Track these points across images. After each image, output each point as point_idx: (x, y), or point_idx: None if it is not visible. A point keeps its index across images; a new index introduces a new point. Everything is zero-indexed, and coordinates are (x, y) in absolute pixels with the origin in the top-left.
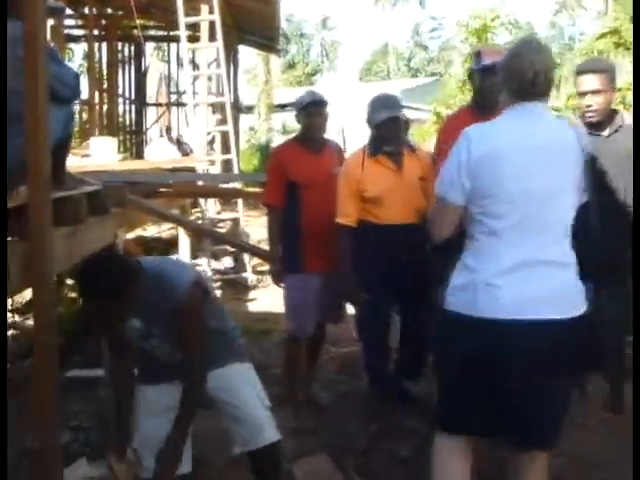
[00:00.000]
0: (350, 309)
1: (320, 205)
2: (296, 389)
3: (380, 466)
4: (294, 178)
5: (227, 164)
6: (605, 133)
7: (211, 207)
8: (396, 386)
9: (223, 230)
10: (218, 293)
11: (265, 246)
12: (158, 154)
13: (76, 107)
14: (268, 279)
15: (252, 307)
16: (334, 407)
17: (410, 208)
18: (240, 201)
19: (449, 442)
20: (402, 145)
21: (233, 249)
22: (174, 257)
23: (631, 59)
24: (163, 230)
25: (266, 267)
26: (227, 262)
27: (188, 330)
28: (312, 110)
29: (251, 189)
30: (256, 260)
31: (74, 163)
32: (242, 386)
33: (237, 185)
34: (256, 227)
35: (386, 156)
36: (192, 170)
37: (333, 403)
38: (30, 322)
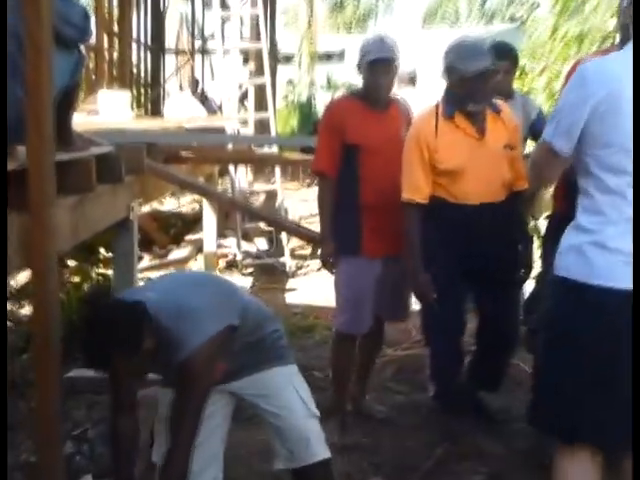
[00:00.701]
0: (414, 303)
1: (383, 174)
2: (345, 398)
3: None
4: (353, 140)
5: (262, 124)
6: None
7: (242, 176)
8: (469, 398)
9: (256, 205)
10: (248, 282)
11: (307, 224)
12: (179, 111)
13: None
14: (310, 265)
15: (290, 298)
16: (391, 422)
17: (494, 184)
18: (277, 170)
19: (579, 459)
20: (486, 105)
21: (269, 228)
22: (193, 272)
23: None
24: (184, 204)
25: (307, 250)
26: (261, 244)
27: (184, 407)
28: (379, 68)
29: (291, 155)
30: (296, 242)
31: (78, 121)
32: (284, 392)
33: (274, 150)
34: (296, 201)
35: (466, 118)
36: (220, 131)
37: (390, 417)
38: (26, 311)
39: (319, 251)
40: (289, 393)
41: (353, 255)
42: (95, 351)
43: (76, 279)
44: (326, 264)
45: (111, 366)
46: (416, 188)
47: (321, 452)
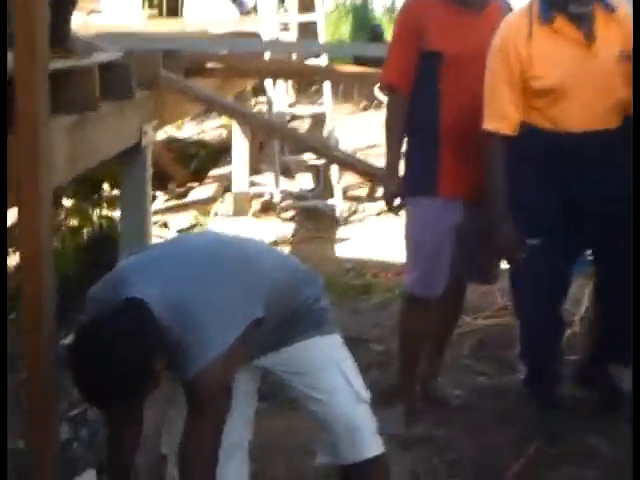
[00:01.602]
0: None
1: (470, 93)
2: (414, 379)
3: None
4: (432, 46)
5: (307, 29)
6: None
7: (281, 95)
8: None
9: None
10: (288, 230)
11: (366, 157)
12: (203, 12)
13: None
14: (367, 209)
15: (341, 251)
16: (470, 410)
17: (604, 106)
18: (327, 87)
19: None
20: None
21: (315, 161)
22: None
23: None
24: (208, 129)
25: (363, 190)
26: (305, 182)
27: (195, 441)
28: None
29: (343, 68)
30: (349, 180)
31: (77, 21)
32: (324, 370)
33: (321, 61)
34: (349, 129)
35: (569, 21)
36: (254, 37)
37: (469, 403)
38: (12, 261)
39: (381, 190)
40: (331, 372)
41: (427, 195)
42: (97, 394)
43: (74, 222)
44: (391, 206)
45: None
46: (501, 115)
47: (372, 447)
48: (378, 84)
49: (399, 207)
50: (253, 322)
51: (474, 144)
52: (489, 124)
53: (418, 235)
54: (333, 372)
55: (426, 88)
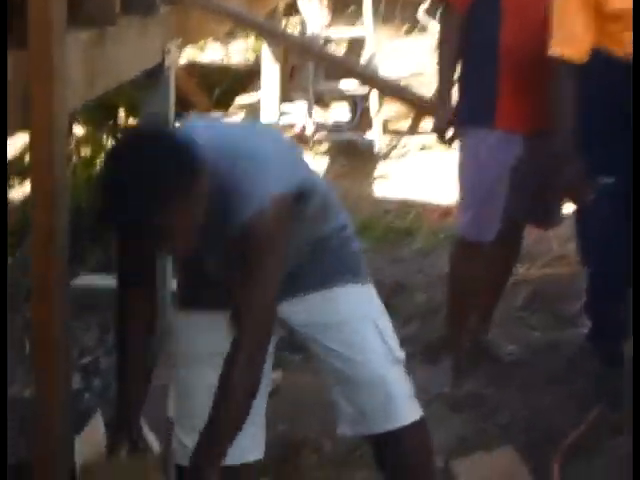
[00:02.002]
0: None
1: (537, 10)
2: (464, 332)
3: (601, 473)
4: None
5: None
6: None
7: (315, 15)
8: None
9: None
10: (322, 165)
11: (409, 87)
12: None
13: None
14: (409, 144)
15: (381, 190)
16: (524, 368)
17: None
18: (368, 6)
19: None
20: None
21: (354, 90)
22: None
23: None
24: (234, 52)
25: (405, 123)
26: (341, 113)
27: (252, 269)
28: None
29: None
30: (389, 111)
31: None
32: (359, 323)
33: None
34: (390, 55)
35: None
36: None
37: (523, 360)
38: (19, 193)
39: (433, 119)
40: (366, 327)
41: (484, 126)
42: (128, 197)
43: (86, 152)
44: (443, 137)
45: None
46: (571, 39)
47: (410, 413)
48: (425, 4)
49: (452, 139)
50: (297, 195)
51: (538, 69)
52: (557, 49)
53: (473, 172)
54: (368, 327)
55: (486, 3)
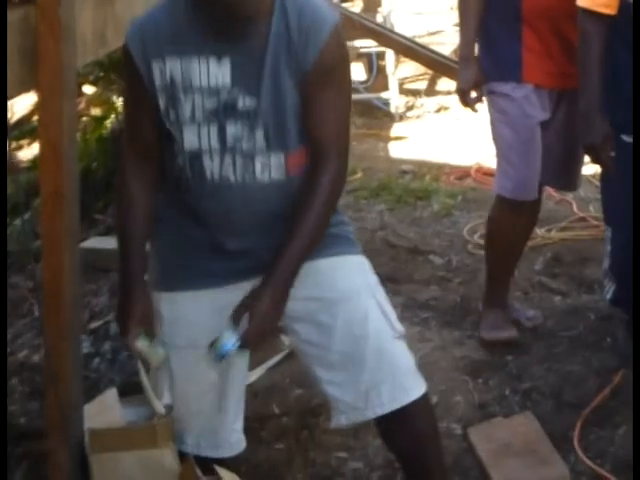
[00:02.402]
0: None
1: None
2: (507, 290)
3: (625, 438)
4: None
5: None
6: None
7: None
8: None
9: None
10: None
11: (431, 43)
12: None
13: None
14: (426, 104)
15: (397, 151)
16: (545, 333)
17: None
18: None
19: None
20: None
21: (368, 48)
22: None
23: None
24: None
25: (422, 84)
26: (356, 72)
27: (340, 89)
28: None
29: None
30: (406, 71)
31: None
32: (358, 296)
33: None
34: (405, 14)
35: None
36: None
37: (544, 326)
38: (26, 154)
39: (456, 80)
40: (366, 299)
41: (511, 80)
42: None
43: (96, 112)
44: (466, 99)
45: None
46: None
47: (417, 387)
48: None
49: (476, 100)
50: None
51: (566, 20)
52: (585, 1)
53: (506, 130)
54: (368, 300)
55: None
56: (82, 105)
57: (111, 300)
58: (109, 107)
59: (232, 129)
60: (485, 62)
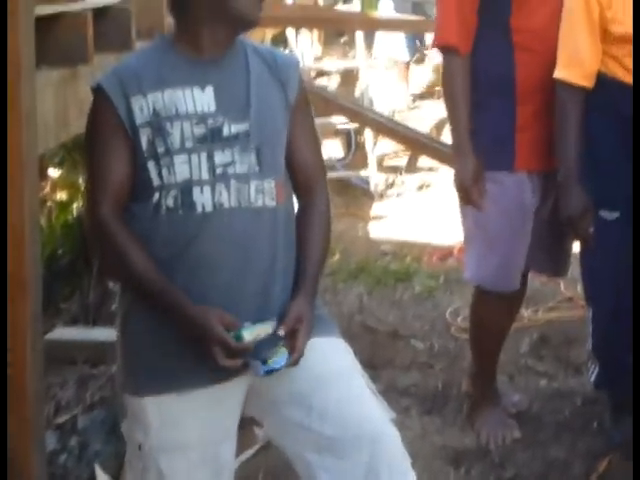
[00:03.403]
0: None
1: (550, 41)
2: (495, 384)
3: None
4: None
5: None
6: None
7: (306, 47)
8: None
9: (327, 89)
10: None
11: (405, 120)
12: None
13: None
14: (406, 182)
15: (376, 231)
16: (531, 417)
17: None
18: (360, 38)
19: None
20: None
21: (346, 125)
22: None
23: None
24: None
25: (401, 160)
26: (334, 149)
27: (312, 123)
28: None
29: (380, 15)
30: (385, 146)
31: None
32: (354, 378)
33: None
34: (385, 87)
35: None
36: None
37: (530, 410)
38: None
39: (453, 173)
40: (357, 380)
41: (502, 169)
42: None
43: (61, 196)
44: (469, 195)
45: None
46: (577, 61)
47: (409, 473)
48: (433, 43)
49: (480, 195)
50: None
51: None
52: (562, 71)
53: (495, 219)
54: (359, 381)
55: (494, 42)
56: (47, 189)
57: (78, 392)
58: (74, 191)
59: (220, 156)
60: (475, 146)
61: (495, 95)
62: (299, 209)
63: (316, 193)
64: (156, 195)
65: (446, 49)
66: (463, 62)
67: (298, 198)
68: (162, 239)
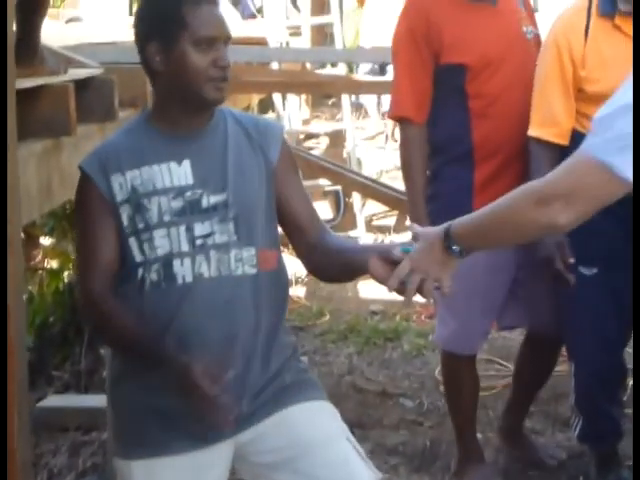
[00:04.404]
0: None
1: (507, 105)
2: (476, 441)
3: None
4: (456, 58)
5: (321, 34)
6: None
7: (293, 111)
8: None
9: (316, 152)
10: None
11: (390, 181)
12: None
13: None
14: (395, 241)
15: (365, 291)
16: (516, 473)
17: None
18: (346, 100)
19: None
20: None
21: (334, 187)
22: None
23: None
24: None
25: (390, 220)
26: (323, 210)
27: (299, 178)
28: None
29: (364, 78)
30: (373, 206)
31: (51, 31)
32: (341, 441)
33: (340, 70)
34: (373, 149)
35: (628, 17)
36: (261, 44)
37: (515, 466)
38: None
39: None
40: (343, 444)
41: None
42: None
43: (52, 264)
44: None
45: None
46: (551, 120)
47: None
48: (389, 114)
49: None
50: None
51: (517, 163)
52: (537, 130)
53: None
54: (345, 444)
55: (451, 108)
56: (38, 258)
57: (70, 459)
58: (65, 259)
59: (200, 228)
60: (433, 212)
61: (453, 161)
62: (312, 248)
63: (323, 230)
64: (140, 271)
65: (401, 119)
66: (420, 131)
67: (306, 247)
68: (149, 314)
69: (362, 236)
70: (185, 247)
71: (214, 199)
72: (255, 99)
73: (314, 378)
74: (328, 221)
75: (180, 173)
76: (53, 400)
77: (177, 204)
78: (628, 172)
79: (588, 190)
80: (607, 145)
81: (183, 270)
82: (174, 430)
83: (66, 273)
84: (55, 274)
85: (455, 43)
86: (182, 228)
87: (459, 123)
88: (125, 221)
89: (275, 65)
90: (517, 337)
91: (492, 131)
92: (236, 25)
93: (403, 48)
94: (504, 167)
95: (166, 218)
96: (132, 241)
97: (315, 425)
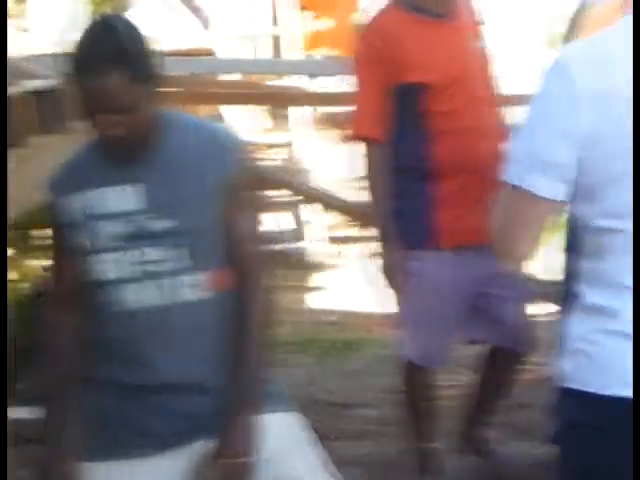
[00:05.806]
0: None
1: (465, 121)
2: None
3: None
4: (415, 77)
5: (279, 43)
6: None
7: (242, 123)
8: None
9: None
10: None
11: (345, 192)
12: (150, 27)
13: None
14: (348, 251)
15: (322, 302)
16: None
17: None
18: (293, 112)
19: None
20: None
21: (292, 198)
22: None
23: None
24: None
25: (344, 231)
26: (270, 222)
27: (248, 214)
28: None
29: (324, 90)
30: (326, 219)
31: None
32: (305, 453)
33: (299, 83)
34: (329, 158)
35: None
36: (211, 54)
37: (475, 478)
38: None
39: (381, 259)
40: (307, 455)
41: (424, 248)
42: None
43: (14, 276)
44: (396, 280)
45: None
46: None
47: None
48: (350, 135)
49: (401, 271)
50: None
51: (480, 180)
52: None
53: (417, 298)
54: (308, 455)
55: (410, 128)
56: None
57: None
58: (24, 272)
59: (150, 253)
60: (398, 229)
61: (415, 177)
62: (237, 299)
63: (255, 286)
64: (95, 293)
65: (364, 139)
66: (382, 149)
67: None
68: (107, 338)
69: (320, 246)
70: (135, 272)
71: (164, 224)
72: (202, 112)
73: (282, 388)
74: (287, 232)
75: (131, 198)
76: (24, 412)
77: (127, 229)
78: (545, 191)
79: (521, 218)
80: (517, 168)
81: (133, 296)
82: (131, 428)
83: (27, 285)
84: (14, 287)
85: (415, 62)
86: (131, 253)
87: (421, 140)
88: (76, 243)
89: (226, 76)
90: (477, 347)
91: (454, 147)
92: (185, 37)
93: (361, 68)
94: (467, 183)
95: (115, 243)
96: (83, 264)
97: (282, 437)
